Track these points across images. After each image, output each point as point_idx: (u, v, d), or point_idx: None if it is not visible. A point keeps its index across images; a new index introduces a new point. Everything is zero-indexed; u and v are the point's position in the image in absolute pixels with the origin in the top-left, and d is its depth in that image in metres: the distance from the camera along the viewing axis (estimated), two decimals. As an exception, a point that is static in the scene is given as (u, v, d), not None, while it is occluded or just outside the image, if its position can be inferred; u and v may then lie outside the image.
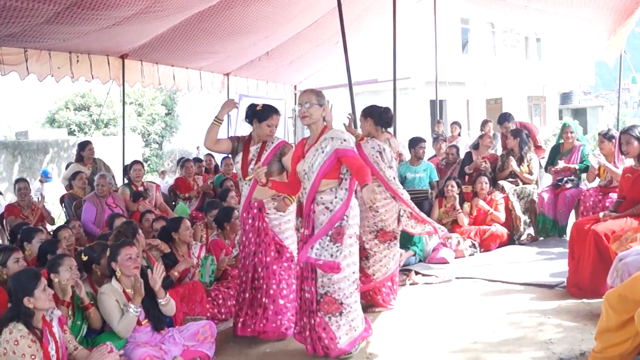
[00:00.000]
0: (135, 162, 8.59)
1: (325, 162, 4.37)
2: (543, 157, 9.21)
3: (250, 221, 5.02)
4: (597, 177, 7.74)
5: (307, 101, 4.47)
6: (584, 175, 8.62)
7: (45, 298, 3.72)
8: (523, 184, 8.44)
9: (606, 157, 7.14)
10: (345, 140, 4.42)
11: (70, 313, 4.33)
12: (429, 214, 8.24)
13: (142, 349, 4.25)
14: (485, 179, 8.25)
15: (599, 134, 7.63)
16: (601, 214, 5.73)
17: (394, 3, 9.54)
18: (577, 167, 8.22)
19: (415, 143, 8.73)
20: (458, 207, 8.12)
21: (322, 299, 4.37)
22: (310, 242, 4.32)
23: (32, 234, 5.59)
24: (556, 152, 8.58)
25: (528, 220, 8.37)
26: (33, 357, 3.54)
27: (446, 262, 7.24)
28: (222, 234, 6.42)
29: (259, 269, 4.95)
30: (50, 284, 4.06)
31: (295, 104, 14.94)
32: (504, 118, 9.37)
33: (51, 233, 7.03)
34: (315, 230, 4.37)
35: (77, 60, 8.88)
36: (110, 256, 4.49)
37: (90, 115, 25.19)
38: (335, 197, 4.37)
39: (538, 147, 9.36)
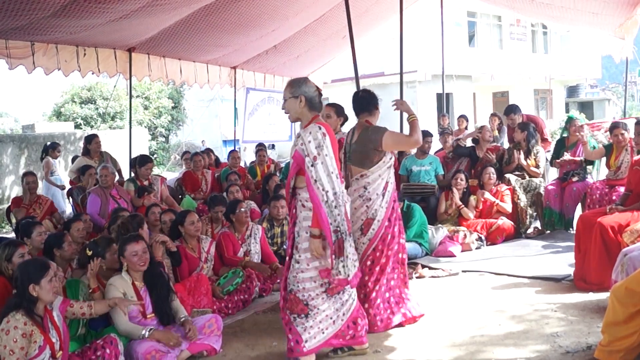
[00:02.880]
0: (149, 160, 8.37)
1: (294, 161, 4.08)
2: (549, 151, 9.19)
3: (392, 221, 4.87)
4: (607, 168, 7.69)
5: (283, 98, 4.18)
6: (590, 168, 8.61)
7: (50, 289, 3.69)
8: (529, 177, 8.42)
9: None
10: (308, 141, 3.95)
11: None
12: (435, 208, 8.27)
13: (149, 342, 4.28)
14: (492, 170, 8.24)
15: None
16: (608, 208, 5.72)
17: (401, -4, 9.51)
18: (582, 159, 8.20)
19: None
20: (459, 202, 8.12)
21: (288, 296, 4.16)
22: None
23: (31, 228, 5.40)
24: (561, 146, 8.56)
25: (534, 214, 8.35)
26: (12, 352, 3.50)
27: (453, 256, 7.24)
28: (232, 227, 6.44)
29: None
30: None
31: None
32: (511, 110, 9.33)
33: (58, 227, 7.08)
34: (296, 226, 4.14)
35: (84, 54, 8.86)
36: (118, 250, 4.56)
37: (97, 109, 25.26)
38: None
39: (545, 140, 9.34)
